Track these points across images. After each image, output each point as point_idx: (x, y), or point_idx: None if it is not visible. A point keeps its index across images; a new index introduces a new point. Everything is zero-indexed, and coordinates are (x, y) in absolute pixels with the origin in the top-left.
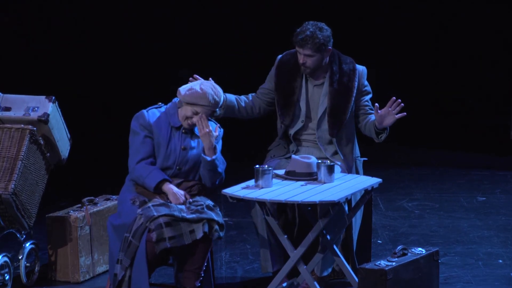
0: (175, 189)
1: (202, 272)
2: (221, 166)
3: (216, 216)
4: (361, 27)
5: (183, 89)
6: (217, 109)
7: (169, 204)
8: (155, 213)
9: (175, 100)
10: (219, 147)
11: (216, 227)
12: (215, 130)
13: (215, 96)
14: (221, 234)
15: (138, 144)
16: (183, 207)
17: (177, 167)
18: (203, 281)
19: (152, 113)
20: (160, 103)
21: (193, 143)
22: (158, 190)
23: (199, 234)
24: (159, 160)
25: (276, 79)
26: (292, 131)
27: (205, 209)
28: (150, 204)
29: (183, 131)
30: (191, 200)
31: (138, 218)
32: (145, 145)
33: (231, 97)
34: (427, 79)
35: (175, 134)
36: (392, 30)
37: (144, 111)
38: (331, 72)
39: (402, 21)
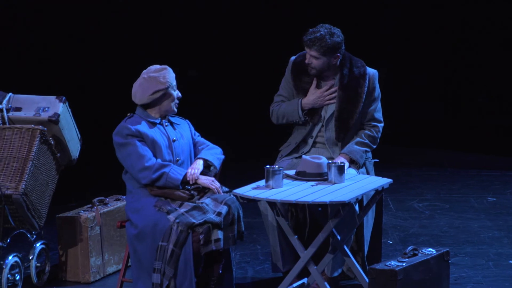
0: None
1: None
2: (217, 156)
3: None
4: (371, 28)
5: (139, 93)
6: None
7: (200, 205)
8: (193, 220)
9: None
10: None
11: (235, 232)
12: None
13: (157, 66)
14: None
15: (138, 150)
16: (211, 206)
17: (176, 159)
18: (223, 266)
19: (131, 122)
20: (129, 113)
21: (177, 133)
22: (182, 184)
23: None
24: (159, 158)
25: (293, 82)
26: (314, 133)
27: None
28: (182, 210)
29: (165, 125)
30: (224, 189)
31: (175, 227)
32: (144, 148)
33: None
34: (437, 80)
35: (159, 130)
36: (401, 31)
37: (123, 123)
38: (341, 76)
39: (411, 22)
